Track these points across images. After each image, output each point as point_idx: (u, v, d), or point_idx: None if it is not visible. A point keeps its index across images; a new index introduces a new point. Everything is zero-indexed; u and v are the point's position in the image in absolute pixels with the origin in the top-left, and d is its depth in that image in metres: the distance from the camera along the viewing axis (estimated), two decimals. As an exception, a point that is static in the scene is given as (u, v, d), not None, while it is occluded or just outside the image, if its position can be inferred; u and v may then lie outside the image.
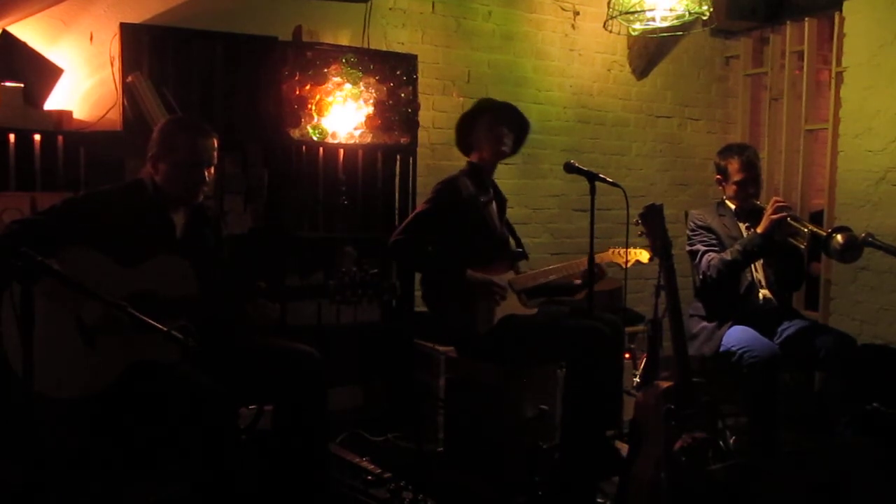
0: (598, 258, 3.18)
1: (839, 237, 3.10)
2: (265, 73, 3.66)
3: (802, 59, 4.87)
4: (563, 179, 4.76)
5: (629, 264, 3.38)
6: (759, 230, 3.22)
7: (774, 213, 3.18)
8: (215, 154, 2.64)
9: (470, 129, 3.35)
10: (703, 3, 3.41)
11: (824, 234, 3.13)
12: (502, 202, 3.49)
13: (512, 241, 3.44)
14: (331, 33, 4.08)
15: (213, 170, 2.64)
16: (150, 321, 1.95)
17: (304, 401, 2.61)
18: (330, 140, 3.84)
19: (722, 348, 3.25)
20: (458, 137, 3.39)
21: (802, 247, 3.24)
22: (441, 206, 3.22)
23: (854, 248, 3.11)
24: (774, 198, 3.36)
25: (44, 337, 2.12)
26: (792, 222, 3.20)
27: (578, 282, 3.34)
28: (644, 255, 3.38)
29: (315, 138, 3.81)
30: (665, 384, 2.72)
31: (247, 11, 3.85)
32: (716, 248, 3.34)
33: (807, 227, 3.19)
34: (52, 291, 2.24)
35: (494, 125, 3.29)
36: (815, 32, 4.83)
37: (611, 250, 3.38)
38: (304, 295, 2.62)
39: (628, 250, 3.37)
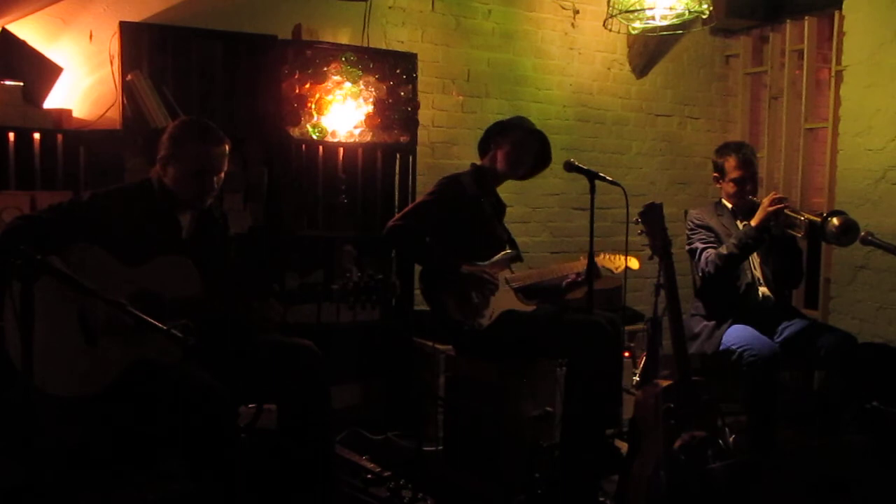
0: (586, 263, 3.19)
1: (835, 220, 3.14)
2: (265, 72, 3.66)
3: (802, 58, 4.87)
4: (562, 178, 4.75)
5: (619, 270, 3.38)
6: (753, 222, 3.24)
7: (770, 204, 3.20)
8: (225, 160, 2.63)
9: (497, 135, 3.35)
10: (703, 1, 3.41)
11: (819, 219, 3.15)
12: (501, 208, 3.51)
13: (508, 245, 3.44)
14: (330, 32, 4.08)
15: (222, 175, 2.63)
16: (149, 320, 1.95)
17: (307, 397, 2.61)
18: (330, 139, 3.84)
19: (722, 347, 3.26)
20: (485, 136, 3.40)
21: (800, 235, 3.27)
22: (443, 200, 3.24)
23: (850, 230, 3.13)
24: (773, 192, 3.38)
25: (46, 335, 2.12)
26: (788, 213, 3.23)
27: (572, 279, 3.33)
28: (634, 263, 3.37)
29: (315, 137, 3.81)
30: (664, 383, 2.72)
31: (246, 10, 3.85)
32: (714, 245, 3.35)
33: (803, 216, 3.22)
34: (56, 290, 2.23)
35: (521, 145, 3.30)
36: (815, 31, 4.83)
37: (602, 255, 3.38)
38: (306, 298, 2.63)
39: (618, 256, 3.37)
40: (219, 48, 3.58)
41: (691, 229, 3.46)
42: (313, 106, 3.79)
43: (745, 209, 3.43)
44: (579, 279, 3.29)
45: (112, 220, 2.46)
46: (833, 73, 4.59)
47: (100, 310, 2.32)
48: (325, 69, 3.80)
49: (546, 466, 3.14)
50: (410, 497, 2.90)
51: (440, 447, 3.56)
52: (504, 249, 3.34)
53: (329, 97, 3.81)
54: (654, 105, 5.25)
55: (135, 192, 2.60)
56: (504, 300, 3.19)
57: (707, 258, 3.30)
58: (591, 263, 3.06)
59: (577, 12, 4.88)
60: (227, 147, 2.62)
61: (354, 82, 3.84)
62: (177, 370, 2.35)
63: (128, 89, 3.38)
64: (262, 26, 3.77)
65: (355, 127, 3.90)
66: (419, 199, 3.38)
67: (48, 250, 2.14)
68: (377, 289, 2.60)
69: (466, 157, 3.48)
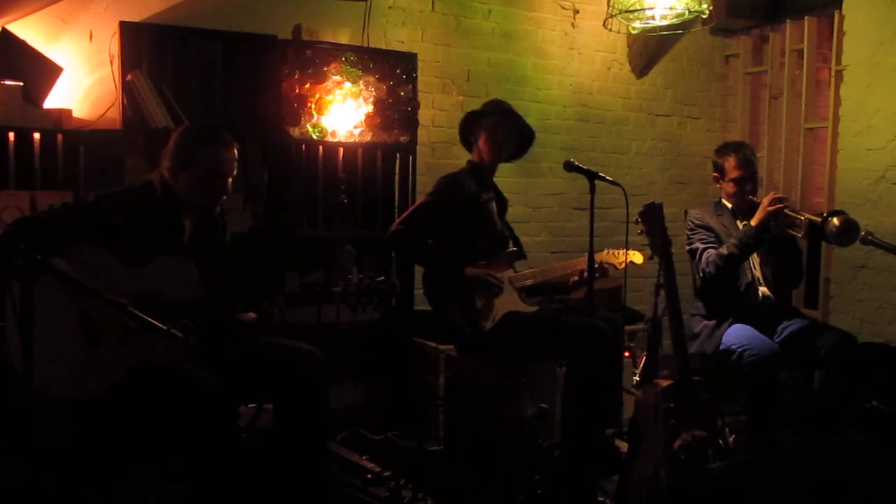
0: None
1: (835, 220, 3.14)
2: (265, 72, 3.66)
3: (802, 58, 4.87)
4: (562, 178, 4.76)
5: (623, 265, 3.38)
6: (753, 222, 3.25)
7: (770, 204, 3.21)
8: (235, 164, 2.64)
9: (472, 127, 3.36)
10: (703, 1, 3.41)
11: (819, 219, 3.15)
12: (503, 203, 3.50)
13: (510, 242, 3.44)
14: (330, 32, 4.08)
15: (231, 179, 2.63)
16: (149, 319, 1.95)
17: (305, 400, 2.61)
18: (329, 139, 3.84)
19: (722, 346, 3.26)
20: (461, 134, 3.41)
21: (800, 235, 3.27)
22: (442, 200, 3.24)
23: (850, 230, 3.14)
24: (772, 192, 3.38)
25: (48, 336, 2.12)
26: (788, 212, 3.23)
27: (577, 279, 3.33)
28: (638, 257, 3.38)
29: (315, 137, 3.80)
30: (665, 382, 2.72)
31: (246, 10, 3.85)
32: (714, 245, 3.35)
33: (803, 216, 3.22)
34: (57, 290, 2.23)
35: (494, 129, 3.30)
36: (815, 31, 4.83)
37: (606, 251, 3.38)
38: (308, 300, 2.64)
39: (622, 251, 3.37)
40: (219, 48, 3.58)
41: (691, 229, 3.46)
42: (313, 106, 3.79)
43: (745, 209, 3.43)
44: (584, 277, 3.28)
45: (114, 223, 2.45)
46: (833, 73, 4.59)
47: (101, 310, 2.32)
48: (325, 69, 3.80)
49: (546, 466, 3.14)
50: (410, 497, 2.90)
51: (440, 447, 3.56)
52: (507, 246, 3.34)
53: (329, 97, 3.81)
54: (653, 105, 5.25)
55: (137, 194, 2.60)
56: (507, 301, 3.18)
57: (707, 258, 3.30)
58: (591, 263, 3.06)
59: (577, 12, 4.89)
60: (236, 150, 2.63)
61: (354, 82, 3.84)
62: (177, 371, 2.35)
63: (128, 89, 3.38)
64: (262, 26, 3.77)
65: (355, 127, 3.90)
66: (419, 200, 3.38)
67: (49, 251, 2.14)
68: (378, 291, 2.60)
69: (466, 157, 3.48)
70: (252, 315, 2.64)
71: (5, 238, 2.34)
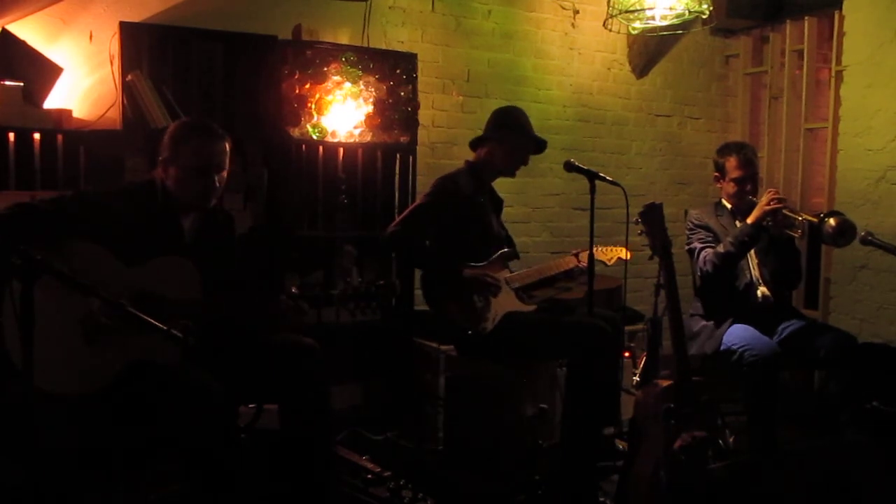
0: (579, 258, 3.23)
1: (831, 221, 3.16)
2: (265, 72, 3.66)
3: (802, 58, 4.87)
4: (562, 178, 4.76)
5: (612, 262, 3.39)
6: (749, 220, 3.25)
7: (767, 203, 3.21)
8: (227, 158, 2.60)
9: (505, 129, 3.32)
10: (703, 1, 3.41)
11: (816, 220, 3.16)
12: (498, 204, 3.51)
13: (505, 242, 3.44)
14: (330, 32, 4.08)
15: (224, 174, 2.60)
16: (149, 319, 1.94)
17: (307, 397, 2.61)
18: (329, 139, 3.84)
19: (722, 347, 3.26)
20: (486, 127, 3.37)
21: (797, 236, 3.29)
22: (440, 200, 3.23)
23: (847, 231, 3.14)
24: (770, 189, 3.38)
25: (46, 334, 2.12)
26: (787, 213, 3.23)
27: (573, 287, 3.37)
28: (623, 252, 3.39)
29: (315, 137, 3.81)
30: (665, 383, 2.72)
31: (246, 10, 3.85)
32: (712, 245, 3.36)
33: (800, 216, 3.23)
34: (56, 288, 2.22)
35: (523, 149, 3.32)
36: (815, 31, 4.83)
37: (596, 248, 3.37)
38: (306, 300, 2.63)
39: (610, 249, 3.39)
40: (219, 48, 3.58)
41: (690, 229, 3.46)
42: (313, 106, 3.80)
43: (744, 209, 3.42)
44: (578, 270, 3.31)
45: (113, 219, 2.44)
46: (833, 73, 4.59)
47: (100, 309, 2.32)
48: (325, 69, 3.81)
49: (546, 466, 3.14)
50: (410, 497, 2.89)
51: (440, 447, 3.56)
52: (503, 247, 3.34)
53: (329, 97, 3.81)
54: (654, 105, 5.25)
55: (137, 191, 2.59)
56: (505, 302, 3.19)
57: (705, 257, 3.31)
58: (591, 264, 3.06)
59: (577, 12, 4.89)
60: (227, 144, 2.60)
61: (354, 82, 3.84)
62: (176, 370, 2.35)
63: (128, 89, 3.38)
64: (262, 26, 3.77)
65: (355, 127, 3.90)
66: (416, 201, 3.38)
67: (47, 242, 2.13)
68: (378, 295, 2.59)
69: (466, 157, 3.48)
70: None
71: (3, 225, 2.29)
